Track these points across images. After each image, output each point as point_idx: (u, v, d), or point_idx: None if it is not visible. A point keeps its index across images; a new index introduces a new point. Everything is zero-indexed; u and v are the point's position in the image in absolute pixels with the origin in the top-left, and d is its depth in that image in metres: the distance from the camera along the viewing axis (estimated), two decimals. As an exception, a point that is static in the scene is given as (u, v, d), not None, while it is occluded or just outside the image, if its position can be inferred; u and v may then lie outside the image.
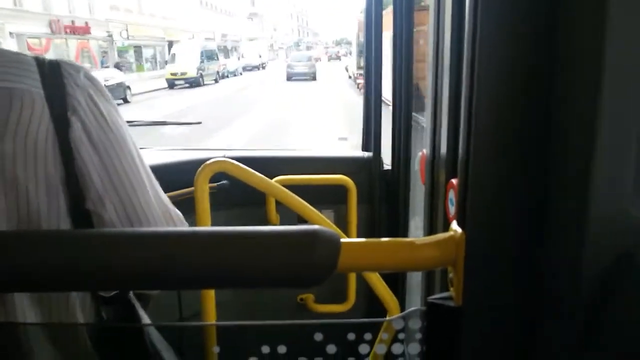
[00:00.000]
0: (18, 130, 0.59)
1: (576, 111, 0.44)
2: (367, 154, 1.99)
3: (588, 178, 0.43)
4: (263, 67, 45.08)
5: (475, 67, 0.49)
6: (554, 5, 0.45)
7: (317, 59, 30.59)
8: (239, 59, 45.92)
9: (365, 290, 1.73)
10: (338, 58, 57.85)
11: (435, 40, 0.85)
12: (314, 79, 27.25)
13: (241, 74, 32.83)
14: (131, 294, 0.74)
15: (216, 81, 26.83)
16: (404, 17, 1.72)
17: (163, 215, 0.70)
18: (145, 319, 0.75)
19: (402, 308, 1.54)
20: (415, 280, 1.52)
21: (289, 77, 27.54)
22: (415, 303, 1.53)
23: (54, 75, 0.68)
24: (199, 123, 4.28)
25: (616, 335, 0.41)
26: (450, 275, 0.56)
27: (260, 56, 43.79)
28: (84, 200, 0.64)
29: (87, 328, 0.70)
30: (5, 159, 0.59)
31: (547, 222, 0.48)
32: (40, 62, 0.66)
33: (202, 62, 25.55)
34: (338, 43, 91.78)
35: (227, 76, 30.22)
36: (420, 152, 1.21)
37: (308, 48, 70.07)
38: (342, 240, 0.49)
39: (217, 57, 27.98)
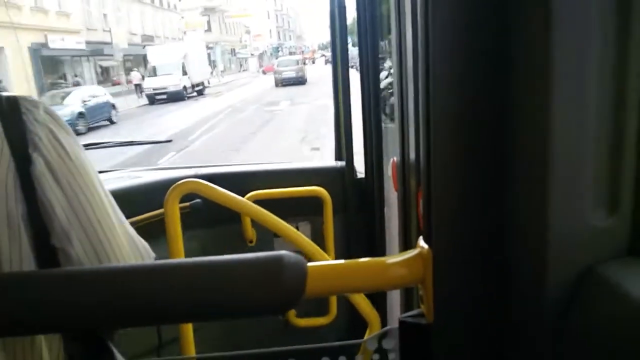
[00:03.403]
0: None
1: (530, 122, 0.51)
2: (340, 163, 2.06)
3: (547, 190, 0.48)
4: (199, 92, 28.70)
5: (430, 76, 0.55)
6: (503, 14, 0.52)
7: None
8: (143, 77, 27.53)
9: (347, 301, 1.74)
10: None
11: (397, 42, 0.97)
12: (303, 83, 27.85)
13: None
14: None
15: None
16: (368, 26, 1.71)
17: (130, 247, 0.81)
18: (118, 355, 0.86)
19: (384, 320, 1.64)
20: (396, 291, 1.59)
21: (278, 84, 28.43)
22: (396, 315, 1.48)
23: (12, 112, 0.72)
24: (170, 141, 4.53)
25: (582, 348, 0.49)
26: (421, 292, 0.62)
27: (186, 73, 26.67)
28: (49, 237, 0.73)
29: None
30: None
31: (511, 235, 0.56)
32: None
33: None
34: (324, 47, 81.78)
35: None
36: (392, 159, 1.33)
37: (291, 54, 61.54)
38: (309, 264, 0.56)
39: None
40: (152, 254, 0.87)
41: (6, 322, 0.53)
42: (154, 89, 24.16)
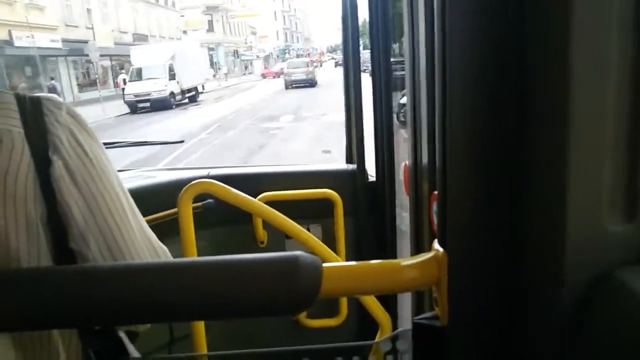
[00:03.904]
0: None
1: (549, 125, 0.52)
2: (351, 166, 2.07)
3: (564, 194, 0.49)
4: (191, 99, 24.50)
5: (447, 80, 0.56)
6: (521, 14, 0.53)
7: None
8: (124, 81, 23.31)
9: (358, 302, 1.81)
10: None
11: (410, 46, 0.98)
12: (313, 85, 27.76)
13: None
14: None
15: None
16: (380, 28, 1.73)
17: (148, 251, 0.83)
18: (134, 353, 0.90)
19: (395, 323, 1.67)
20: (407, 293, 1.60)
21: (287, 86, 28.00)
22: (407, 317, 1.63)
23: (34, 113, 0.74)
24: (182, 142, 4.53)
25: (596, 352, 0.50)
26: (435, 294, 0.63)
27: (174, 77, 22.72)
28: (67, 240, 0.76)
29: None
30: None
31: (527, 239, 0.57)
32: (20, 100, 0.75)
33: None
34: (333, 50, 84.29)
35: None
36: (404, 162, 1.35)
37: (298, 57, 57.02)
38: (324, 265, 0.58)
39: None
40: (170, 258, 0.90)
41: (22, 317, 0.54)
42: (135, 95, 22.22)
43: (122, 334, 0.86)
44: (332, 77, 31.24)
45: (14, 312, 0.53)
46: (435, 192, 0.85)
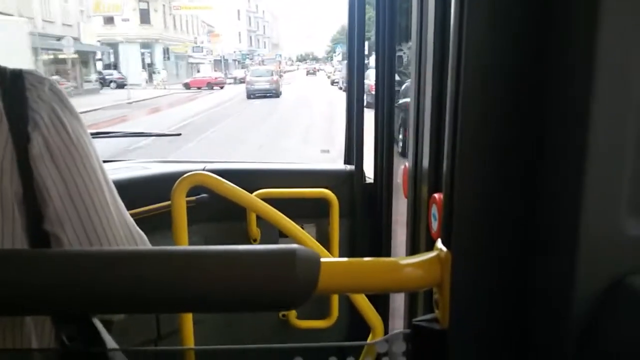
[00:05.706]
0: None
1: (566, 126, 0.52)
2: (349, 167, 2.12)
3: (580, 196, 0.48)
4: None
5: (460, 79, 0.56)
6: (544, 15, 0.53)
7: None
8: None
9: (349, 304, 1.88)
10: (314, 73, 54.76)
11: (417, 51, 0.97)
12: (277, 96, 26.81)
13: None
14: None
15: None
16: (386, 30, 1.76)
17: (125, 237, 0.83)
18: (110, 342, 0.88)
19: (386, 325, 1.71)
20: (399, 296, 1.69)
21: (249, 95, 26.56)
22: (399, 320, 1.69)
23: (15, 88, 0.73)
24: (179, 135, 4.59)
25: None
26: (435, 296, 0.63)
27: None
28: (42, 220, 0.75)
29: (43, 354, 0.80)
30: None
31: (538, 241, 0.57)
32: (1, 73, 0.75)
33: None
34: (302, 59, 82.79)
35: None
36: (403, 165, 1.39)
37: (261, 63, 52.18)
38: (322, 260, 0.58)
39: None
40: (149, 246, 0.92)
41: None
42: None
43: (97, 322, 0.85)
44: (301, 92, 27.16)
45: None
46: (435, 195, 0.86)
